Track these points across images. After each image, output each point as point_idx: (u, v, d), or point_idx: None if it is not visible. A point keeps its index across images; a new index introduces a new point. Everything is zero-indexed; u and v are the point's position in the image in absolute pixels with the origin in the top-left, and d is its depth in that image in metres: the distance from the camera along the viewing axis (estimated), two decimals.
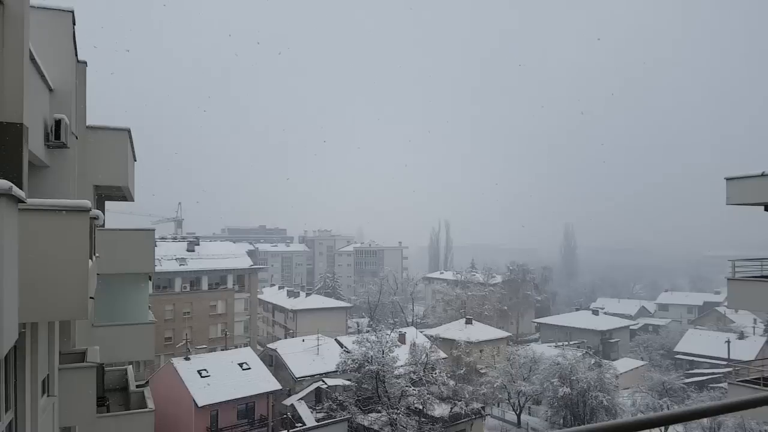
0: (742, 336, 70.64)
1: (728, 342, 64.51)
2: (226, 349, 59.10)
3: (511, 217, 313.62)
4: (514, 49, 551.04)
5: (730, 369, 50.44)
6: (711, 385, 57.97)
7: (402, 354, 48.55)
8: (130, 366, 18.56)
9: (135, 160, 17.20)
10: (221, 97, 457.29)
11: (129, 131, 15.55)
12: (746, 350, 62.67)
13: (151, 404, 14.99)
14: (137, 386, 16.87)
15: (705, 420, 44.53)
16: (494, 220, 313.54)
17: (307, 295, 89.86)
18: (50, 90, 10.54)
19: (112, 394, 16.34)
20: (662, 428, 48.23)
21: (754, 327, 78.52)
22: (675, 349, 75.88)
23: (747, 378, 20.34)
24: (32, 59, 8.60)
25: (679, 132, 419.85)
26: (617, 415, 47.31)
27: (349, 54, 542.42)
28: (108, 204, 20.59)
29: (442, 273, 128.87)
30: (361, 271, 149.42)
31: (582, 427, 2.62)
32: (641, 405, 50.79)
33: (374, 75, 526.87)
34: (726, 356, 62.60)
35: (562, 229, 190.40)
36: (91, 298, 8.26)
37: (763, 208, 18.93)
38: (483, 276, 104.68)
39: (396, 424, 41.97)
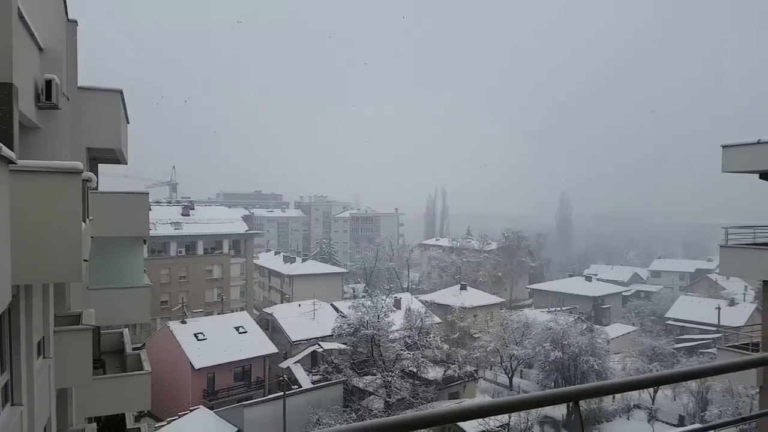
0: (732, 303, 71.57)
1: (718, 308, 65.42)
2: (223, 314, 59.68)
3: (508, 184, 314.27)
4: (513, 15, 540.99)
5: (719, 335, 51.36)
6: (701, 351, 59.01)
7: (397, 319, 49.15)
8: (126, 329, 18.71)
9: (128, 123, 16.99)
10: (216, 61, 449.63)
11: (121, 92, 15.31)
12: (736, 317, 63.61)
13: (147, 366, 15.16)
14: (133, 349, 17.05)
15: (694, 384, 45.52)
16: (491, 187, 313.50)
17: (303, 260, 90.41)
18: (40, 49, 10.32)
19: (109, 356, 16.51)
20: (652, 390, 49.39)
21: (744, 294, 79.44)
22: (666, 315, 76.93)
23: (736, 343, 20.71)
24: (21, 17, 8.38)
25: (676, 100, 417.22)
26: (608, 379, 48.28)
27: (345, 18, 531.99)
28: (101, 167, 20.40)
29: (437, 240, 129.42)
30: (357, 237, 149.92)
31: (568, 387, 2.64)
32: (631, 369, 51.85)
33: (372, 40, 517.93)
34: (716, 322, 63.58)
35: (558, 197, 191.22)
36: (84, 260, 8.25)
37: (758, 175, 18.91)
38: (478, 243, 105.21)
39: (390, 387, 42.80)
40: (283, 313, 56.67)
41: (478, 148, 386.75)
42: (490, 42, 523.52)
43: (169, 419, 39.68)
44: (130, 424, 17.22)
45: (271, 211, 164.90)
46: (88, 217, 10.44)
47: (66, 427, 12.58)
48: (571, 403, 2.59)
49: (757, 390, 19.64)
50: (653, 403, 49.70)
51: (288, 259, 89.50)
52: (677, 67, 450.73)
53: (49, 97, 10.20)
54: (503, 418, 38.19)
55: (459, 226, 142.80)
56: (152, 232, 56.54)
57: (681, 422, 46.64)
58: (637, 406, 50.16)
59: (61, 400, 11.96)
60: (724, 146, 18.39)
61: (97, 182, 16.17)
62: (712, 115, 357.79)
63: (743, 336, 22.09)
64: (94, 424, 13.72)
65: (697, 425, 2.93)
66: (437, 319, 56.28)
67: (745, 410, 38.80)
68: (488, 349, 55.65)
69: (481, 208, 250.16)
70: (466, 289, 72.69)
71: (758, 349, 18.43)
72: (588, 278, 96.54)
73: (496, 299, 73.69)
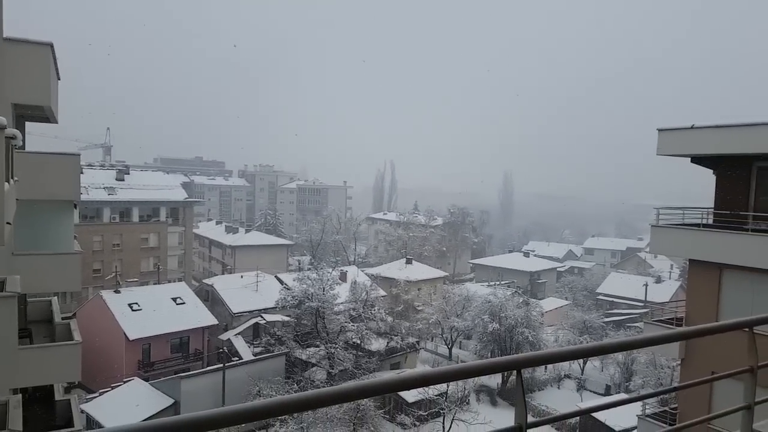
0: (659, 280, 75.76)
1: (646, 285, 69.10)
2: (159, 284, 58.04)
3: (455, 161, 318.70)
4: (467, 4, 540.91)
5: (646, 310, 54.35)
6: (628, 325, 62.37)
7: (343, 292, 49.29)
8: (55, 297, 17.83)
9: (59, 79, 15.92)
10: (158, 19, 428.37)
11: (52, 46, 14.29)
12: (662, 293, 67.26)
13: (77, 336, 14.52)
14: (63, 318, 16.29)
15: (620, 356, 48.16)
16: (439, 164, 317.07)
17: (247, 231, 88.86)
18: None
19: (36, 325, 15.72)
20: (581, 361, 51.97)
21: (670, 272, 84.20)
22: (597, 291, 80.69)
23: (661, 318, 21.91)
24: None
25: (616, 86, 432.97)
26: (541, 349, 50.31)
27: None
28: (30, 126, 19.16)
29: (385, 214, 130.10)
30: (304, 209, 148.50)
31: (510, 356, 2.65)
32: (563, 341, 54.35)
33: (327, 10, 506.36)
34: (643, 298, 67.18)
35: (502, 176, 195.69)
36: (8, 223, 7.70)
37: (690, 159, 19.81)
38: (425, 218, 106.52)
39: (333, 358, 43.07)
40: (224, 285, 55.68)
41: (428, 125, 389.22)
42: (445, 27, 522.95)
43: (101, 391, 38.61)
44: (59, 395, 16.56)
45: (213, 179, 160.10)
46: (12, 178, 9.75)
47: None
48: (506, 373, 2.59)
49: (679, 362, 20.91)
50: (582, 374, 52.39)
51: (230, 230, 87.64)
52: (618, 55, 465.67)
53: None
54: (442, 387, 39.28)
55: (407, 201, 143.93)
56: (84, 197, 54.00)
57: (607, 391, 49.42)
58: (568, 376, 52.78)
59: None
60: (660, 130, 19.11)
61: (24, 141, 15.16)
62: (650, 101, 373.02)
63: (668, 311, 23.37)
64: (20, 396, 13.09)
65: (624, 395, 3.01)
66: (382, 292, 56.88)
67: (667, 381, 41.47)
68: (430, 321, 56.94)
69: (429, 184, 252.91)
70: (411, 263, 73.69)
71: (682, 324, 19.57)
72: (526, 254, 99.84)
73: (439, 273, 75.12)
